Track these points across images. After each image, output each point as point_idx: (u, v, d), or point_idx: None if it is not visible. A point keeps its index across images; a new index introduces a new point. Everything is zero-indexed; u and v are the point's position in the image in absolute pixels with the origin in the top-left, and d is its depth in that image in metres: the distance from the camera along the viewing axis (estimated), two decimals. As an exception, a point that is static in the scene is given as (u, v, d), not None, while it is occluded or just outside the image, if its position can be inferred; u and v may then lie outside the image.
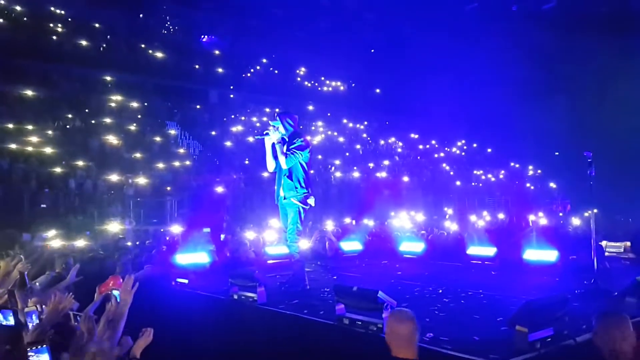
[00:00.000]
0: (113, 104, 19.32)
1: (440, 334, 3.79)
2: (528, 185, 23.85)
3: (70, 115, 17.61)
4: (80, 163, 14.93)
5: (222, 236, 9.96)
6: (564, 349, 3.48)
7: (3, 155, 14.12)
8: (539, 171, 25.38)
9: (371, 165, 21.64)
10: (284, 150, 6.36)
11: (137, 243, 10.38)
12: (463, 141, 27.47)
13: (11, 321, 3.49)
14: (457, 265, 8.06)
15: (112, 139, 16.78)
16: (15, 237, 10.55)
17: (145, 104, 20.25)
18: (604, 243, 8.75)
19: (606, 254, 8.11)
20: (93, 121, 17.79)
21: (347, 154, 22.18)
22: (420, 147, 25.74)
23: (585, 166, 6.06)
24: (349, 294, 4.39)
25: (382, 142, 25.12)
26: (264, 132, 6.55)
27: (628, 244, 8.92)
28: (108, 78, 20.64)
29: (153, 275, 6.35)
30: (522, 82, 22.80)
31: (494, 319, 4.30)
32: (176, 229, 10.71)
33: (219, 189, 14.51)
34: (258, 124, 21.13)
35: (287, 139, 6.44)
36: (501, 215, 16.56)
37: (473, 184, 23.00)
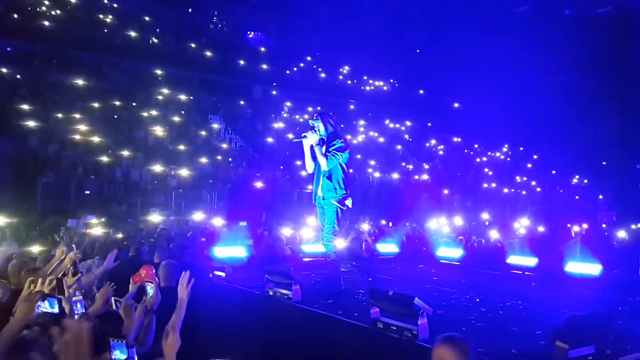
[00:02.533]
0: (160, 97, 19.83)
1: (477, 344, 3.72)
2: (573, 195, 23.12)
3: (118, 104, 18.18)
4: (125, 153, 15.41)
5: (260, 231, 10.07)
6: (605, 368, 3.36)
7: (53, 142, 14.70)
8: (585, 181, 24.55)
9: (410, 167, 21.45)
10: (324, 152, 6.38)
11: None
12: (507, 146, 26.83)
13: (56, 309, 3.63)
14: (496, 274, 7.88)
15: (157, 131, 17.23)
16: (60, 222, 10.98)
17: (191, 97, 20.71)
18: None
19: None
20: (140, 113, 18.32)
21: (387, 155, 22.05)
22: (465, 151, 25.32)
23: (636, 177, 5.83)
24: (384, 298, 4.36)
25: (425, 144, 24.85)
26: (302, 135, 6.59)
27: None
28: (157, 71, 21.21)
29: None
30: (572, 88, 22.12)
31: (533, 332, 4.18)
32: (217, 221, 10.89)
33: (258, 184, 14.69)
34: (300, 120, 21.25)
35: (326, 140, 6.45)
36: (541, 228, 16.07)
37: (515, 190, 22.46)
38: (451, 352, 2.73)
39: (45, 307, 3.56)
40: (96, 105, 17.41)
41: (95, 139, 15.63)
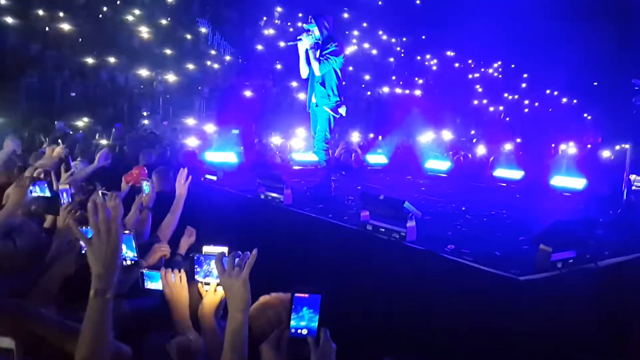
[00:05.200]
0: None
1: (461, 246, 3.87)
2: (562, 115, 23.19)
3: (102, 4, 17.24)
4: (110, 55, 14.86)
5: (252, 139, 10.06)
6: (584, 271, 3.53)
7: (35, 40, 14.06)
8: (575, 101, 24.54)
9: (401, 83, 21.15)
10: (317, 56, 6.20)
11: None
12: (499, 62, 26.34)
13: (47, 192, 3.64)
14: (482, 186, 8.07)
15: (143, 32, 16.49)
16: (47, 125, 10.81)
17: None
18: (632, 177, 8.62)
19: (633, 187, 8.01)
20: (125, 13, 17.44)
21: (379, 68, 21.61)
22: (456, 65, 24.83)
23: (628, 97, 5.84)
24: (374, 202, 4.46)
25: (418, 58, 24.29)
26: (297, 38, 6.37)
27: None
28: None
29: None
30: (568, 4, 21.28)
31: (516, 238, 4.35)
32: (209, 127, 10.81)
33: (248, 93, 14.44)
34: (291, 30, 20.50)
35: (320, 44, 6.26)
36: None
37: (505, 108, 22.44)
38: None
39: (36, 191, 3.57)
40: (80, 1, 16.48)
41: (80, 39, 14.98)
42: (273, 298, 2.18)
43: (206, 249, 2.39)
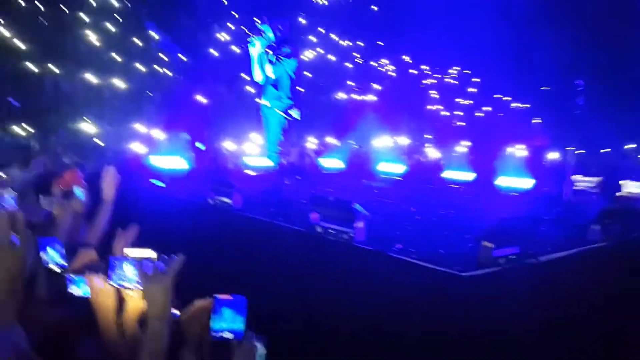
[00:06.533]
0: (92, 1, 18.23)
1: (408, 246, 3.90)
2: (512, 119, 23.87)
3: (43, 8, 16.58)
4: (55, 63, 14.27)
5: (201, 145, 9.87)
6: (525, 266, 3.60)
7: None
8: (527, 105, 25.33)
9: (356, 89, 21.30)
10: (271, 58, 6.17)
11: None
12: (458, 68, 26.86)
13: None
14: (434, 188, 8.19)
15: (90, 37, 15.96)
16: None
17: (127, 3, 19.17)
18: (576, 177, 8.96)
19: (576, 187, 8.32)
20: (70, 16, 16.83)
21: (336, 73, 21.68)
22: (412, 71, 25.20)
23: (573, 98, 6.07)
24: (324, 203, 4.45)
25: (374, 64, 24.49)
26: (247, 40, 6.32)
27: (600, 179, 9.14)
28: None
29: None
30: (526, 11, 21.93)
31: (462, 236, 4.42)
32: (156, 132, 10.56)
33: (201, 99, 14.22)
34: (248, 33, 20.28)
35: (274, 46, 6.22)
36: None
37: (457, 112, 22.94)
38: None
39: None
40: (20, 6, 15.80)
41: (20, 44, 14.31)
42: (209, 302, 2.09)
43: (129, 251, 2.17)
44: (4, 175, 4.45)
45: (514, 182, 7.13)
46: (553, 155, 14.14)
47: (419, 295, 3.25)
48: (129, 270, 2.01)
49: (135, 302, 2.06)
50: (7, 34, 14.08)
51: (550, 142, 20.17)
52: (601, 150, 16.20)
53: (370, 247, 3.86)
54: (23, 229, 1.50)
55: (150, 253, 2.03)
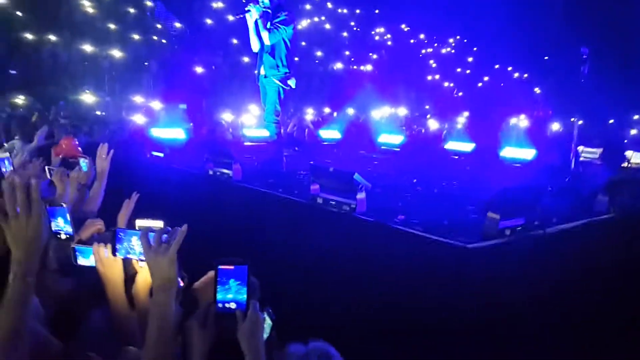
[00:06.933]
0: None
1: (411, 217, 3.83)
2: (513, 89, 23.63)
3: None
4: (52, 33, 13.99)
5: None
6: (532, 238, 3.54)
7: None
8: (525, 75, 25.05)
9: (352, 59, 20.99)
10: (267, 25, 6.00)
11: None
12: (457, 37, 26.43)
13: None
14: (434, 160, 8.09)
15: (85, 6, 15.62)
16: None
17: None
18: (580, 148, 8.87)
19: (581, 158, 8.24)
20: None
21: (332, 43, 21.32)
22: (411, 40, 24.81)
23: (577, 68, 5.93)
24: (324, 174, 4.37)
25: (371, 32, 24.09)
26: (245, 9, 6.13)
27: (601, 150, 9.06)
28: None
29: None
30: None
31: (465, 207, 4.35)
32: (156, 104, 10.39)
33: (198, 69, 14.00)
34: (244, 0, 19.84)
35: (270, 13, 6.05)
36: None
37: (457, 83, 22.68)
38: None
39: None
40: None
41: (17, 12, 13.98)
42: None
43: (139, 222, 2.19)
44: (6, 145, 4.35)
45: (518, 152, 7.04)
46: (556, 126, 14.01)
47: (424, 267, 3.20)
48: (135, 242, 1.98)
49: (146, 273, 2.01)
50: (3, 0, 13.78)
51: (553, 112, 20.03)
52: (609, 121, 16.00)
53: (372, 219, 3.79)
54: (38, 198, 1.44)
55: (158, 224, 1.98)
